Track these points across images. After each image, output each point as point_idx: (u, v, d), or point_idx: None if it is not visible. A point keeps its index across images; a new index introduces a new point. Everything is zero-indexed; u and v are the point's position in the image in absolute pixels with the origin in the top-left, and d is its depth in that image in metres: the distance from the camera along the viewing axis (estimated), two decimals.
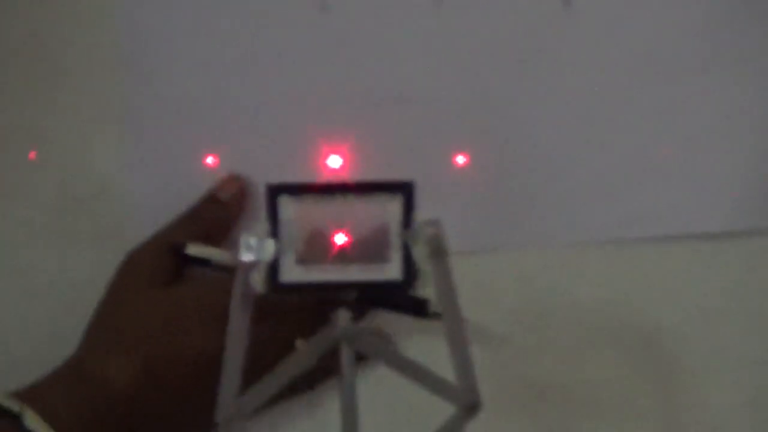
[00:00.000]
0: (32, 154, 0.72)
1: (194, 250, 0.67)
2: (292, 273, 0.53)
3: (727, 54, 0.67)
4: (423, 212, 0.52)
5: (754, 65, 0.68)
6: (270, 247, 0.53)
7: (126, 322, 0.62)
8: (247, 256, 0.52)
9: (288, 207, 0.53)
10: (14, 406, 0.59)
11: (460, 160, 0.68)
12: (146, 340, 0.61)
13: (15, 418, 0.59)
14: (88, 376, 0.62)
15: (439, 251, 0.52)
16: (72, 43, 0.73)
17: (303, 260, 0.53)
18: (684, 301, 0.69)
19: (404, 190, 0.52)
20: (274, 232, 0.53)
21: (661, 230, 0.68)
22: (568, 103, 0.68)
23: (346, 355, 0.54)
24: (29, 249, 0.74)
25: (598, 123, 0.68)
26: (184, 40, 0.70)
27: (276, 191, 0.53)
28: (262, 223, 0.53)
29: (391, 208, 0.53)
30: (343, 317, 0.53)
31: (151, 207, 0.71)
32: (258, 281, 0.53)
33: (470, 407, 0.51)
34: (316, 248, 0.53)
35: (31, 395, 0.61)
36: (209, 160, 0.70)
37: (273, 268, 0.53)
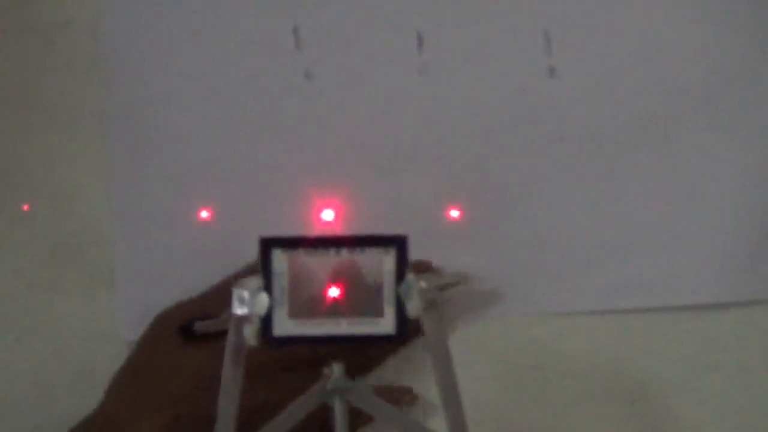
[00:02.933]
0: (25, 206, 0.73)
1: (202, 326, 0.68)
2: (285, 326, 0.53)
3: (711, 122, 0.69)
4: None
5: (740, 134, 0.69)
6: (263, 300, 0.53)
7: (157, 381, 0.64)
8: (240, 310, 0.52)
9: (281, 260, 0.53)
10: None
11: (454, 214, 0.69)
12: (176, 399, 0.63)
13: None
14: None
15: (432, 304, 0.52)
16: (65, 95, 0.74)
17: (296, 314, 0.53)
18: (668, 366, 0.71)
19: (398, 244, 0.53)
20: (268, 286, 0.53)
21: (648, 301, 0.70)
22: (555, 168, 0.70)
23: (339, 410, 0.54)
24: (20, 298, 0.74)
25: (586, 188, 0.70)
26: (178, 96, 0.71)
27: (269, 244, 0.53)
28: (256, 277, 0.53)
29: (385, 262, 0.53)
30: (337, 371, 0.54)
31: (142, 258, 0.72)
32: (251, 335, 0.52)
33: None
34: (309, 302, 0.53)
35: None
36: (203, 213, 0.71)
37: (266, 321, 0.52)
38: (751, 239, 0.69)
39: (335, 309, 0.53)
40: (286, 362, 0.64)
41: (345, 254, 0.53)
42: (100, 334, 0.73)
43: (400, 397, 0.69)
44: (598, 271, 0.70)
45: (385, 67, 0.70)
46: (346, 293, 0.53)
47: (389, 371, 0.69)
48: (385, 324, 0.53)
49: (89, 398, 0.65)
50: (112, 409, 0.66)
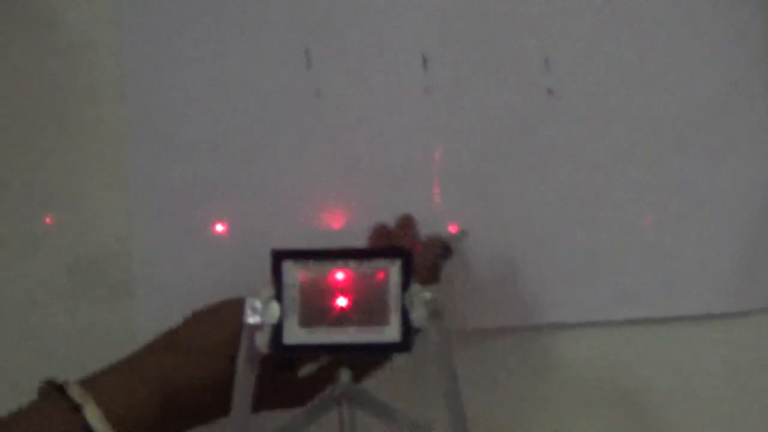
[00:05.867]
0: (48, 219, 0.74)
1: None
2: (294, 335, 0.54)
3: (706, 140, 0.71)
4: None
5: (731, 152, 0.71)
6: (274, 310, 0.55)
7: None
8: (252, 319, 0.54)
9: (292, 272, 0.55)
10: (78, 395, 0.60)
11: (455, 230, 0.71)
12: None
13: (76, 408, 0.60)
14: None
15: (437, 313, 0.54)
16: (87, 114, 0.75)
17: (306, 323, 0.55)
18: (663, 373, 0.73)
19: (403, 256, 0.54)
20: (279, 296, 0.54)
21: (644, 312, 0.71)
22: (554, 184, 0.71)
23: (346, 413, 0.55)
24: (44, 305, 0.75)
25: (584, 203, 0.71)
26: (195, 116, 0.73)
27: (281, 256, 0.55)
28: (267, 287, 0.55)
29: (391, 273, 0.55)
30: (344, 376, 0.55)
31: (159, 269, 0.73)
32: (262, 342, 0.54)
33: None
34: (318, 311, 0.55)
35: (97, 384, 0.62)
36: (218, 227, 0.73)
37: (277, 329, 0.54)
38: (741, 253, 0.71)
39: (343, 318, 0.55)
40: None
41: (352, 266, 0.55)
42: (118, 341, 0.74)
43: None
44: (597, 283, 0.71)
45: (391, 86, 0.72)
46: (354, 303, 0.55)
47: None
48: (391, 332, 0.54)
49: None
50: (192, 323, 0.65)
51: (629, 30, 0.70)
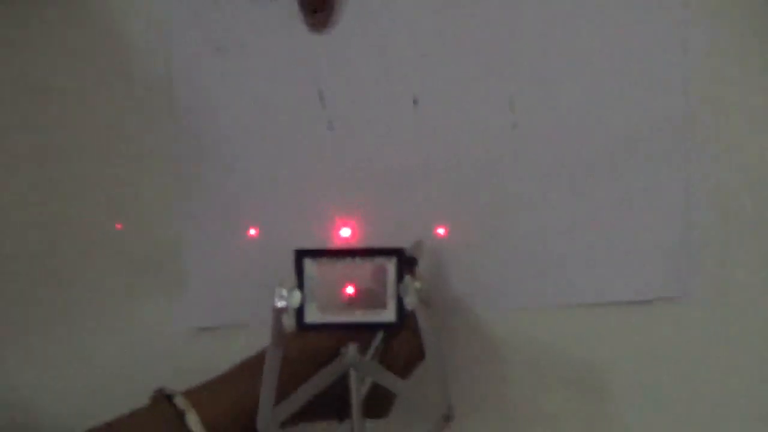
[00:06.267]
0: (119, 225, 0.80)
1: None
2: (313, 316, 0.61)
3: (637, 161, 0.77)
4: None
5: (657, 171, 0.77)
6: (297, 296, 0.61)
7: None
8: (280, 303, 0.61)
9: (311, 266, 0.62)
10: (182, 404, 0.65)
11: (441, 231, 0.78)
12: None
13: (180, 415, 0.65)
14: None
15: (424, 299, 0.61)
16: (142, 137, 0.80)
17: (321, 306, 0.61)
18: (616, 353, 0.78)
19: (398, 254, 0.62)
20: (300, 285, 0.61)
21: (593, 298, 0.77)
22: (517, 197, 0.77)
23: (353, 378, 0.63)
24: (113, 298, 0.80)
25: (541, 212, 0.78)
26: (231, 140, 0.79)
27: (302, 255, 0.62)
28: (291, 279, 0.61)
29: (388, 267, 0.62)
30: (351, 350, 0.63)
31: (205, 267, 0.79)
32: (288, 323, 0.61)
33: (446, 417, 0.61)
34: (332, 297, 0.62)
35: (196, 395, 0.67)
36: (252, 231, 0.79)
37: (299, 312, 0.61)
38: (669, 249, 0.77)
39: (351, 303, 0.62)
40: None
41: (358, 262, 0.62)
42: (173, 328, 0.80)
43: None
44: (549, 274, 0.78)
45: (389, 121, 0.78)
46: (359, 291, 0.62)
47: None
48: (388, 314, 0.61)
49: (166, 381, 0.68)
50: (254, 360, 0.68)
51: (577, 76, 0.76)
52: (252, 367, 0.68)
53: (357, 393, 0.63)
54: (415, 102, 0.78)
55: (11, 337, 0.81)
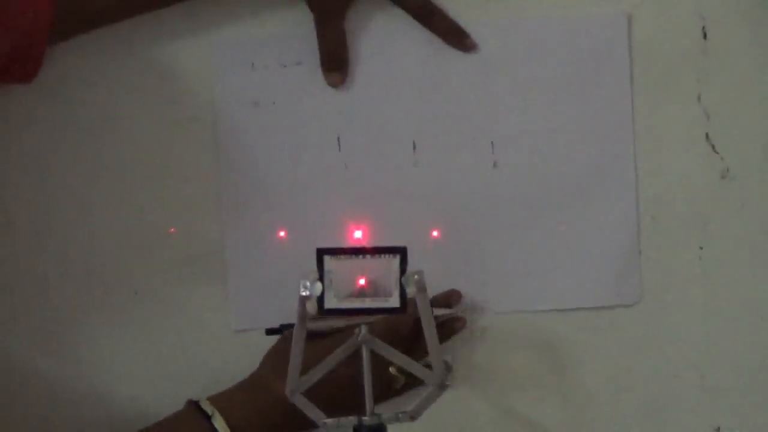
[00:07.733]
0: (172, 229, 0.90)
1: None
2: (332, 303, 0.68)
3: (593, 193, 0.90)
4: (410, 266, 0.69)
5: (608, 200, 0.90)
6: (318, 287, 0.68)
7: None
8: (304, 293, 0.68)
9: (329, 262, 0.69)
10: (208, 408, 0.72)
11: (435, 234, 0.90)
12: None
13: (207, 418, 0.72)
14: (267, 389, 0.76)
15: (421, 289, 0.69)
16: (193, 163, 0.91)
17: (338, 295, 0.68)
18: (581, 355, 0.90)
19: (401, 252, 0.69)
20: (321, 278, 0.68)
21: (558, 305, 0.91)
22: (497, 221, 0.91)
23: (365, 355, 0.71)
24: (162, 295, 0.89)
25: (516, 234, 0.91)
26: (267, 168, 0.91)
27: (322, 252, 0.69)
28: (313, 272, 0.69)
29: (393, 263, 0.69)
30: (363, 329, 0.70)
31: (244, 267, 0.89)
32: (311, 308, 0.68)
33: (441, 386, 0.69)
34: (347, 287, 0.69)
35: (221, 400, 0.73)
36: (282, 233, 0.89)
37: (320, 300, 0.68)
38: (622, 264, 0.91)
39: (362, 292, 0.69)
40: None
41: (369, 258, 0.69)
42: (215, 323, 0.89)
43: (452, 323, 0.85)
44: (528, 281, 0.91)
45: (393, 161, 0.92)
46: (369, 282, 0.69)
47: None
48: (393, 301, 0.69)
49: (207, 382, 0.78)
50: (265, 371, 0.79)
51: (545, 124, 0.91)
52: (275, 366, 0.76)
53: (368, 368, 0.71)
54: (414, 145, 0.92)
55: (85, 331, 0.90)
